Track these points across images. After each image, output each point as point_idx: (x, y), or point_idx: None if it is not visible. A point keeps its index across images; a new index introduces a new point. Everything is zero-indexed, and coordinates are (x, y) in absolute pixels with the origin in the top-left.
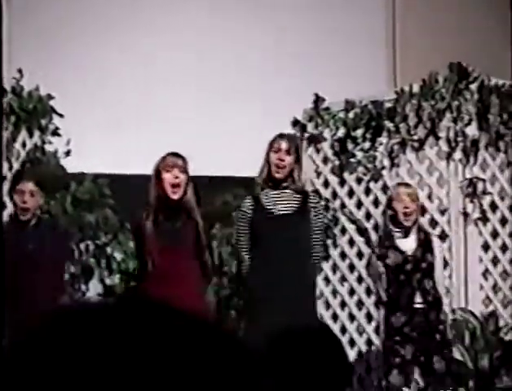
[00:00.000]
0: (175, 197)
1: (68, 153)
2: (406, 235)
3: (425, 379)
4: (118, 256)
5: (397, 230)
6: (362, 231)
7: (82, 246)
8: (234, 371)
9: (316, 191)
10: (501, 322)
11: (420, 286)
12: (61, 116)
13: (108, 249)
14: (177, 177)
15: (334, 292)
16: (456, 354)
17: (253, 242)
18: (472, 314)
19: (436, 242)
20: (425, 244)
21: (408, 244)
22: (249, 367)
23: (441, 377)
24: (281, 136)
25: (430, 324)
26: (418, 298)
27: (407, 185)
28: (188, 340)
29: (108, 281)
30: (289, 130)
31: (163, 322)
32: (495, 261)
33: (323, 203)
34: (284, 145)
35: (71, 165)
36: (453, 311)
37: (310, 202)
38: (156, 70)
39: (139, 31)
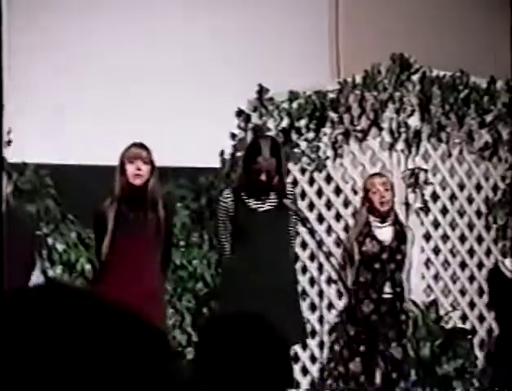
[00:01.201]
0: (137, 182)
1: (9, 143)
2: (383, 222)
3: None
4: (60, 247)
5: (375, 219)
6: (304, 221)
7: None
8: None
9: None
10: (442, 311)
11: (392, 276)
12: (1, 105)
13: (50, 240)
14: (139, 169)
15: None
16: None
17: (235, 237)
18: (414, 303)
19: (412, 235)
20: (401, 236)
21: (385, 234)
22: (163, 357)
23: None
24: (265, 144)
25: (395, 314)
26: (387, 288)
27: (380, 175)
28: (103, 327)
29: (50, 272)
30: (234, 121)
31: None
32: (436, 250)
33: (297, 192)
34: (267, 153)
35: (12, 155)
36: None
37: (287, 195)
38: (99, 61)
39: (87, 19)
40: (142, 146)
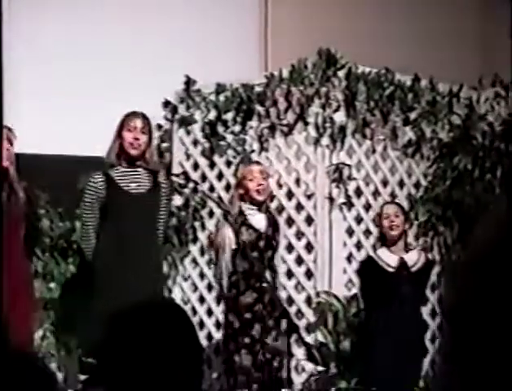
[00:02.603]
0: (4, 164)
1: None
2: (259, 211)
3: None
4: None
5: (250, 207)
6: (226, 214)
7: None
8: None
9: (185, 173)
10: (363, 305)
11: (269, 264)
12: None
13: None
14: (7, 150)
15: (202, 275)
16: (320, 337)
17: (105, 220)
18: (335, 297)
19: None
20: (273, 224)
21: (260, 223)
22: None
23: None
24: (135, 114)
25: (279, 302)
26: (268, 276)
27: (258, 163)
28: None
29: None
30: (161, 112)
31: None
32: (358, 245)
33: (169, 183)
34: (139, 123)
35: None
36: (317, 294)
37: (160, 182)
38: (20, 51)
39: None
40: (6, 127)
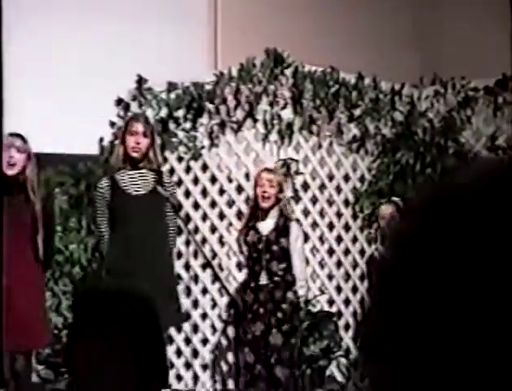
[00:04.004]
0: (9, 172)
1: None
2: (263, 217)
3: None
4: None
5: (259, 211)
6: (176, 209)
7: None
8: None
9: None
10: (310, 295)
11: (267, 266)
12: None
13: None
14: (12, 157)
15: None
16: None
17: (112, 223)
18: None
19: (297, 229)
20: (282, 229)
21: (266, 226)
22: None
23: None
24: (136, 119)
25: (274, 302)
26: (263, 277)
27: (269, 170)
28: None
29: None
30: (114, 109)
31: None
32: (306, 237)
33: (174, 180)
34: (140, 128)
35: None
36: None
37: (164, 181)
38: None
39: None
40: (17, 135)
